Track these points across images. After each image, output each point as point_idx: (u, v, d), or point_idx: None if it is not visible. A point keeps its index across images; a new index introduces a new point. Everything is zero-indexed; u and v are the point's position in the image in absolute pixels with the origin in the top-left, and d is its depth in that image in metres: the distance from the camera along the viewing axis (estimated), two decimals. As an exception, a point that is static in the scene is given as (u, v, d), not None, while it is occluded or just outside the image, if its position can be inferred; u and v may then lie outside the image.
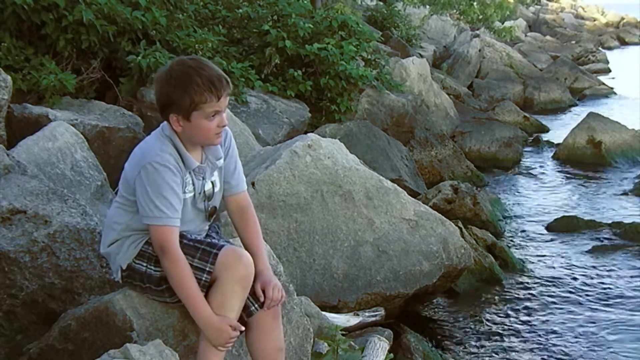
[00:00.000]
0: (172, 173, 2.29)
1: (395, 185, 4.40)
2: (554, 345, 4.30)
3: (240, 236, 2.56)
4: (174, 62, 2.36)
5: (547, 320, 4.64)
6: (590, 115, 9.38)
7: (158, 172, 2.26)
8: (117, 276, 2.46)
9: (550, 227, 6.56)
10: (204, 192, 2.44)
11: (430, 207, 4.67)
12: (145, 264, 2.37)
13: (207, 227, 2.55)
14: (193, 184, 2.40)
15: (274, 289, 2.39)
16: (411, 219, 4.28)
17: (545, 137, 10.58)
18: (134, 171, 2.32)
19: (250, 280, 2.31)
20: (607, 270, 5.51)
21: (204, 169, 2.44)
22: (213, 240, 2.40)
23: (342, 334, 3.14)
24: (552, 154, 9.49)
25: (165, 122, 2.38)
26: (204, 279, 2.29)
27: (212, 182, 2.48)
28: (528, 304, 4.89)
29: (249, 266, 2.29)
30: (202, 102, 2.25)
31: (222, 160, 2.50)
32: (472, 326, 4.55)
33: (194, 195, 2.41)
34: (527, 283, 5.26)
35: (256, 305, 2.39)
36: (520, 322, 4.60)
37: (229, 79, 2.32)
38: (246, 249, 2.46)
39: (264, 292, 2.39)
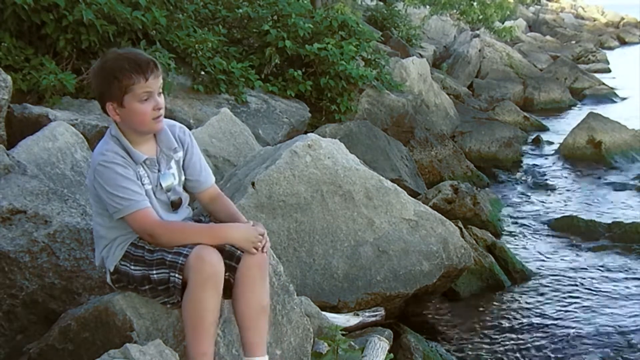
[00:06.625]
0: (121, 166, 2.35)
1: (395, 185, 4.39)
2: (554, 345, 4.30)
3: (219, 217, 2.57)
4: (106, 53, 2.44)
5: (547, 320, 4.63)
6: (590, 115, 9.38)
7: (108, 168, 2.33)
8: (109, 280, 2.50)
9: (550, 227, 6.55)
10: (161, 184, 2.48)
11: (430, 207, 4.66)
12: (128, 265, 2.40)
13: (176, 217, 2.54)
14: (148, 177, 2.45)
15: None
16: (411, 219, 4.28)
17: (545, 137, 10.57)
18: (90, 178, 2.40)
19: (219, 277, 2.28)
20: (607, 270, 5.51)
21: (155, 161, 2.48)
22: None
23: (342, 334, 3.14)
24: (552, 154, 9.48)
25: (112, 125, 2.44)
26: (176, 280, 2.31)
27: (172, 175, 2.52)
28: (528, 303, 4.89)
29: (215, 264, 2.27)
30: (130, 84, 2.31)
31: (180, 153, 2.55)
32: (472, 326, 4.55)
33: (152, 188, 2.45)
34: (527, 283, 5.26)
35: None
36: (520, 322, 4.60)
37: (158, 63, 2.38)
38: (229, 220, 2.51)
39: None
